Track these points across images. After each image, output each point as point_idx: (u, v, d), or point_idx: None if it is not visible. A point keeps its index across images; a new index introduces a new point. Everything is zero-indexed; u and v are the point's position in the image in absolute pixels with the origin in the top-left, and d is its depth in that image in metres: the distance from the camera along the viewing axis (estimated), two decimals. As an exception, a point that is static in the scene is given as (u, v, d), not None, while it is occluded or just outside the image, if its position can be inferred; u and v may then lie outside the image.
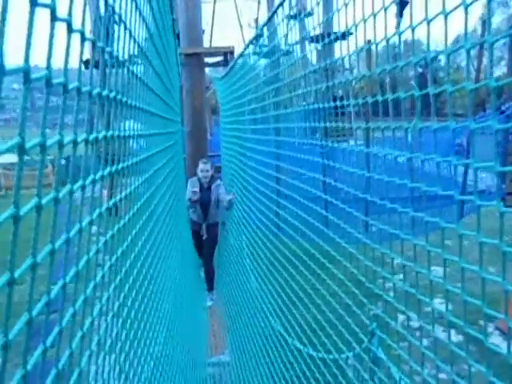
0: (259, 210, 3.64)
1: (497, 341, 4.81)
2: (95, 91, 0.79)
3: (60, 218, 0.74)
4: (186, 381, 2.95)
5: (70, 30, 0.66)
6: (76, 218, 0.82)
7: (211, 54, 9.15)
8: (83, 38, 0.72)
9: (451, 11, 0.75)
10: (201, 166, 5.85)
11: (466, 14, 0.72)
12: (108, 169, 1.02)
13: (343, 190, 1.71)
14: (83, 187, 0.81)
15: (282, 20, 2.52)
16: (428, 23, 0.84)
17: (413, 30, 0.91)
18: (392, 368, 1.54)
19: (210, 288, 6.04)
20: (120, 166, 1.16)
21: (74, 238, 0.78)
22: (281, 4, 2.48)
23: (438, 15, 0.79)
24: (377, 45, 1.12)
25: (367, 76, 1.27)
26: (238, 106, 4.85)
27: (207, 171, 5.77)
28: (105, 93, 0.85)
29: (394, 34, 0.98)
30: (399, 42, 0.99)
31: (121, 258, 1.21)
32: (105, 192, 1.29)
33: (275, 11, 2.61)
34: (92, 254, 0.92)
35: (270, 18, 2.83)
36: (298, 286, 2.63)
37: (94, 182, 0.86)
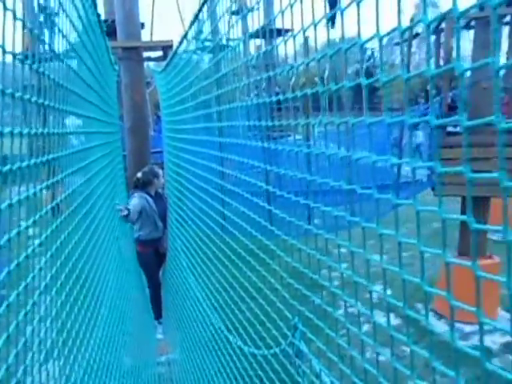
0: (201, 208, 3.58)
1: (432, 321, 5.14)
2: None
3: None
4: (134, 381, 2.88)
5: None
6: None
7: (150, 48, 8.91)
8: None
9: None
10: (161, 171, 5.27)
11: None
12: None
13: (285, 184, 1.74)
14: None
15: (209, 15, 2.49)
16: (358, 4, 0.85)
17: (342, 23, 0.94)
18: (313, 360, 1.59)
19: (158, 315, 5.23)
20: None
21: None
22: (205, 1, 2.44)
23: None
24: (305, 38, 1.13)
25: (298, 68, 1.28)
26: (176, 103, 4.74)
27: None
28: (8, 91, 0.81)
29: (319, 22, 1.00)
30: (327, 37, 1.01)
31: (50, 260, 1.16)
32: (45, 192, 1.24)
33: (201, 8, 2.57)
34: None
35: (197, 15, 2.79)
36: (239, 284, 2.61)
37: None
